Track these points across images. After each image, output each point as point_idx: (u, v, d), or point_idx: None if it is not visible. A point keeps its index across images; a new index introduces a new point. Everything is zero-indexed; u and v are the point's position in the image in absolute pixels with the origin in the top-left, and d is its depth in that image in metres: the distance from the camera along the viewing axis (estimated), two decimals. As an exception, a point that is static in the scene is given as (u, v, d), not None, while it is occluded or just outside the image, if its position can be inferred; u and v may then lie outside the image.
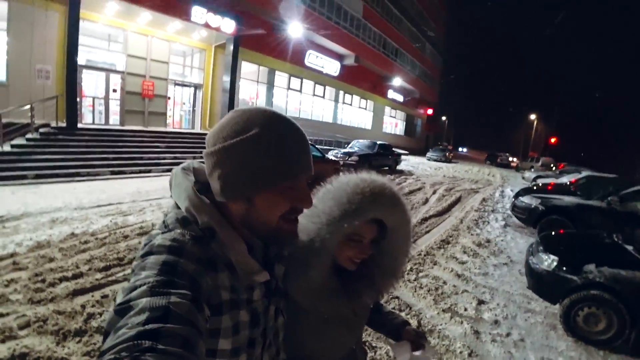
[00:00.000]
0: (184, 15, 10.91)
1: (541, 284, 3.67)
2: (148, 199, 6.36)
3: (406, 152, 27.69)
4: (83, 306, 2.77)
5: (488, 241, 6.18)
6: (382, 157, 13.70)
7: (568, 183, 9.94)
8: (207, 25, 11.62)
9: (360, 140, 14.00)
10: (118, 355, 0.38)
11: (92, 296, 2.95)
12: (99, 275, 3.31)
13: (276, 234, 0.66)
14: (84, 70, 10.81)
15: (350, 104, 23.53)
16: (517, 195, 7.85)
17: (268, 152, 0.61)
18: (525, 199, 7.13)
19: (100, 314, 2.70)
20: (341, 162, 11.02)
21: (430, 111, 37.09)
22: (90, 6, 9.71)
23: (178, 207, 0.65)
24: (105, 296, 2.97)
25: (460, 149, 40.77)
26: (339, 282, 0.89)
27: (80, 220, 4.88)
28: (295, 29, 15.70)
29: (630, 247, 3.76)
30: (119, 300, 0.48)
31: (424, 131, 38.49)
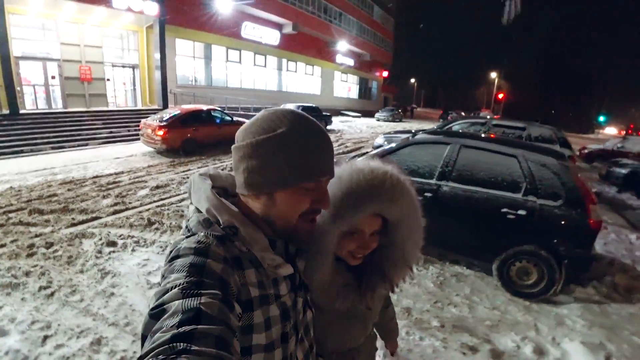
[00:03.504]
0: (105, 2, 12.00)
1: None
2: (78, 164, 8.07)
3: (358, 114, 29.42)
4: (9, 218, 4.59)
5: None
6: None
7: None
8: (130, 10, 12.73)
9: (290, 104, 15.69)
10: (155, 358, 0.39)
11: (17, 214, 4.77)
12: (23, 205, 5.11)
13: (294, 233, 0.70)
14: (21, 62, 11.96)
15: (295, 71, 24.74)
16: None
17: (293, 151, 0.64)
18: (378, 139, 9.12)
19: (21, 222, 4.55)
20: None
21: (385, 73, 38.42)
22: (13, 1, 10.75)
23: (199, 211, 0.68)
24: (23, 208, 4.80)
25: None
26: (350, 277, 0.89)
27: (19, 180, 6.59)
28: (224, 2, 16.76)
29: None
30: (152, 304, 0.49)
31: (380, 93, 40.02)
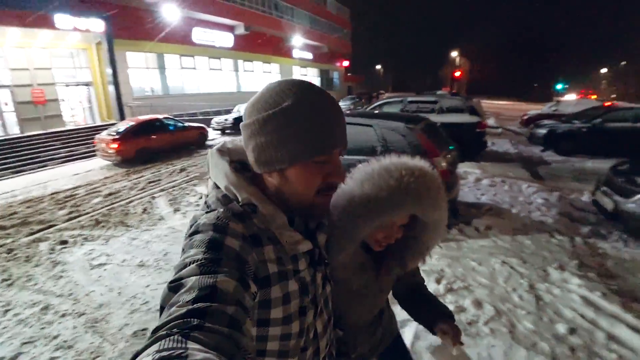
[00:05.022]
0: (49, 25, 12.27)
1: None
2: (37, 184, 8.57)
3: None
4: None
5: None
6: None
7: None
8: (76, 29, 13.03)
9: (243, 105, 16.29)
10: (169, 331, 0.41)
11: (-22, 231, 5.37)
12: (-16, 224, 5.70)
13: (310, 209, 0.68)
14: (-30, 91, 12.14)
15: (253, 71, 25.27)
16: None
17: (299, 126, 0.62)
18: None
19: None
20: (218, 127, 14.02)
21: (346, 63, 39.25)
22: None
23: (217, 187, 0.68)
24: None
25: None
26: (367, 257, 0.94)
27: (-19, 205, 7.09)
28: (171, 10, 17.12)
29: None
30: (171, 277, 0.51)
31: (344, 83, 40.89)
